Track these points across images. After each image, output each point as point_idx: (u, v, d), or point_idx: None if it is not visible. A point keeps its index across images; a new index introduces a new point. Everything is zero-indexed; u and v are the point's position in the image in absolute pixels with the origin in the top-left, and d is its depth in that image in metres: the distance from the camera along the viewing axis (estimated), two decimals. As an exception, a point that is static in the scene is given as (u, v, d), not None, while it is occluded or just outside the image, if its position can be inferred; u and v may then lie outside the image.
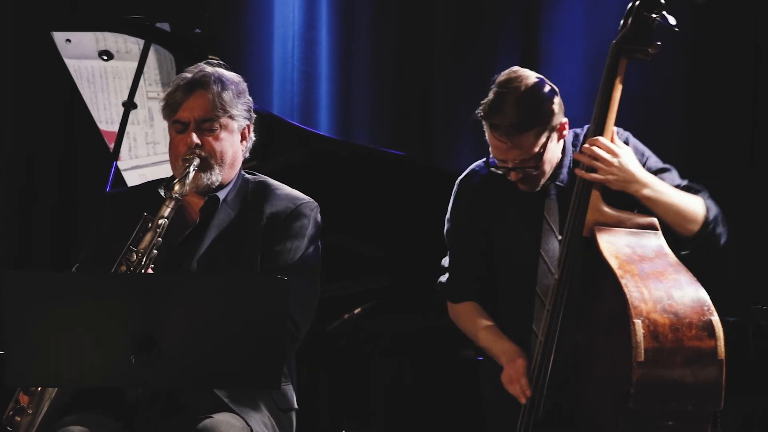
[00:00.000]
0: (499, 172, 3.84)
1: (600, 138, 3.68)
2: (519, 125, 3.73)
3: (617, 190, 3.71)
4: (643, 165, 3.76)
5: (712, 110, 5.52)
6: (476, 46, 5.70)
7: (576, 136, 3.91)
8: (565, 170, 3.87)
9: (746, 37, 5.51)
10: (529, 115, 3.73)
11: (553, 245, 3.83)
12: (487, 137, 3.81)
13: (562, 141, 3.84)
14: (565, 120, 3.82)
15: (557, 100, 3.79)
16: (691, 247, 3.78)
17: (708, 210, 3.78)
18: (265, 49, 5.76)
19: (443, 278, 4.06)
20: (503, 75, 3.81)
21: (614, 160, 3.67)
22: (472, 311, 3.99)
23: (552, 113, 3.76)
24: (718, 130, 5.48)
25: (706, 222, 3.76)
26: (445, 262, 4.07)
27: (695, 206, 3.77)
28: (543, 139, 3.76)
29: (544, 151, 3.77)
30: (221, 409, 3.44)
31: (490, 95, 3.79)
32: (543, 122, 3.75)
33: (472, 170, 4.02)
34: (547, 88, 3.78)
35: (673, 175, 3.85)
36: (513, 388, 3.73)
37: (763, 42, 5.51)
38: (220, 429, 3.36)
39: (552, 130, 3.77)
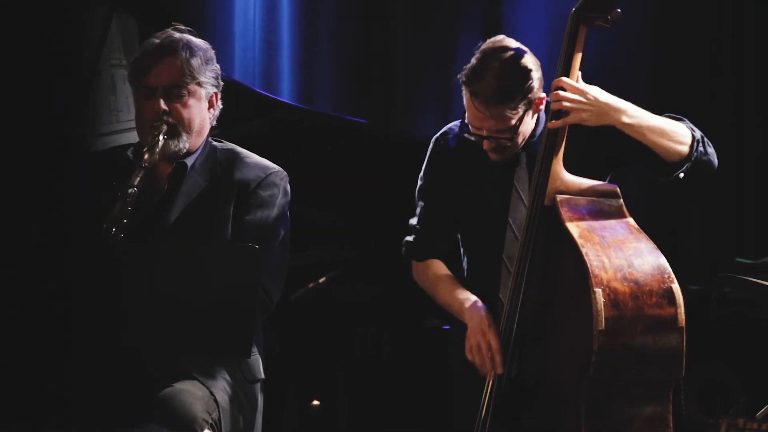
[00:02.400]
0: (472, 138, 3.83)
1: (563, 78, 3.61)
2: (499, 96, 3.69)
3: (579, 163, 3.69)
4: None
5: (674, 82, 5.55)
6: (439, 14, 5.68)
7: (548, 104, 3.86)
8: (537, 140, 3.82)
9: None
10: (510, 87, 3.70)
11: (520, 214, 3.79)
12: (465, 103, 3.79)
13: (536, 114, 3.82)
14: (543, 95, 3.78)
15: (538, 74, 3.73)
16: (684, 171, 3.69)
17: (693, 130, 3.72)
18: (226, 17, 5.71)
19: (409, 237, 4.03)
20: (489, 42, 3.77)
21: (582, 97, 3.59)
22: (435, 268, 3.94)
23: (532, 88, 3.72)
24: (681, 100, 5.51)
25: (695, 140, 3.70)
26: (413, 221, 4.04)
27: (680, 127, 3.70)
28: (520, 113, 3.73)
29: (519, 125, 3.76)
30: (187, 378, 3.42)
31: (473, 61, 3.74)
32: (523, 96, 3.71)
33: (449, 128, 3.97)
34: (530, 62, 3.73)
35: None
36: (481, 339, 3.69)
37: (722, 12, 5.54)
38: (181, 397, 3.35)
39: (530, 104, 3.74)
